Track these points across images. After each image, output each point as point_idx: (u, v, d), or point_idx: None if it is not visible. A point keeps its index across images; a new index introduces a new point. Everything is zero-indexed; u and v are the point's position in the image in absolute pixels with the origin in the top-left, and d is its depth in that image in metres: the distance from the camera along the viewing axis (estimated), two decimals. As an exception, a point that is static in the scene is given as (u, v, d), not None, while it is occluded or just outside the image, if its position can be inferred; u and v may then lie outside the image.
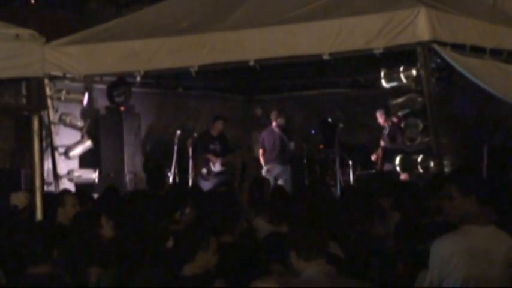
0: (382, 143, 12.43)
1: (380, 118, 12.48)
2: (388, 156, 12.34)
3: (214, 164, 12.49)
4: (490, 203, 4.33)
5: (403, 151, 11.68)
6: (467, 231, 4.33)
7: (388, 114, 12.27)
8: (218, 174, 12.50)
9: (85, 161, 11.75)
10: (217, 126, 12.63)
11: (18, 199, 8.15)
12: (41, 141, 9.75)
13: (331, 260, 5.04)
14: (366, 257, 5.87)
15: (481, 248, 4.30)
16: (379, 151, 12.57)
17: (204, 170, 12.42)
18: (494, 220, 4.56)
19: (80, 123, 11.63)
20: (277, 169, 12.98)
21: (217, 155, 12.56)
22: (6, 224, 6.49)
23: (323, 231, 4.31)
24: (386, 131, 12.42)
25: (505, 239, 4.43)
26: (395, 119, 11.70)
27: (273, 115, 13.39)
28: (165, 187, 8.77)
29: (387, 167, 12.33)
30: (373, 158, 12.71)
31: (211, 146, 12.58)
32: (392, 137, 12.32)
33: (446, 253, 4.31)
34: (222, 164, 12.51)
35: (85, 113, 12.00)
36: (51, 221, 6.64)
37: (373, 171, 12.51)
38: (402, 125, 10.94)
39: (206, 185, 11.71)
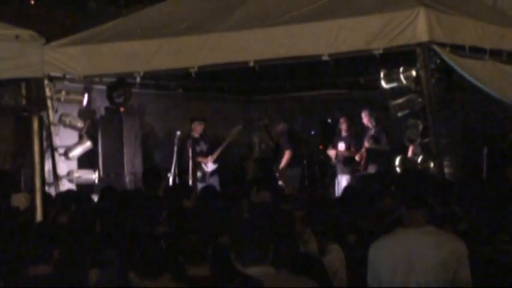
0: (366, 144, 12.46)
1: (364, 118, 12.51)
2: (372, 157, 12.37)
3: (206, 164, 12.53)
4: (418, 207, 4.30)
5: (386, 152, 11.73)
6: (398, 234, 4.33)
7: (372, 115, 12.33)
8: (213, 173, 12.56)
9: (84, 161, 11.75)
10: (196, 128, 12.61)
11: (19, 200, 8.16)
12: (41, 142, 9.77)
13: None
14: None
15: (406, 249, 4.27)
16: (363, 151, 12.60)
17: (199, 173, 12.46)
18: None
19: (79, 124, 11.61)
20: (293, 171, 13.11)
21: (204, 155, 12.60)
22: (7, 225, 6.48)
23: (266, 239, 4.27)
24: (370, 132, 12.46)
25: (442, 240, 4.36)
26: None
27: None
28: (161, 188, 8.73)
29: (371, 168, 12.35)
30: (357, 158, 12.71)
31: (197, 148, 12.58)
32: (376, 138, 12.34)
33: (374, 257, 4.36)
34: (214, 162, 12.57)
35: (85, 114, 11.98)
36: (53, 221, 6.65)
37: (373, 171, 12.51)
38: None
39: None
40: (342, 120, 12.91)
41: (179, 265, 4.43)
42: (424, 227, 4.30)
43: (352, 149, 12.75)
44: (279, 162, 13.19)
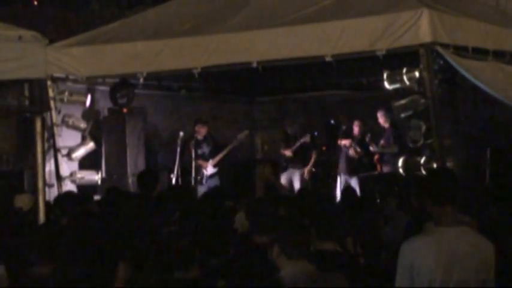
0: (371, 148, 12.45)
1: (380, 119, 12.49)
2: (385, 158, 12.36)
3: (205, 168, 12.50)
4: (451, 205, 4.28)
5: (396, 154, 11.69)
6: (433, 232, 4.30)
7: (388, 116, 12.29)
8: (212, 176, 12.53)
9: (87, 162, 11.75)
10: (200, 130, 12.59)
11: (22, 201, 8.15)
12: (43, 142, 9.78)
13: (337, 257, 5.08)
14: (373, 256, 5.87)
15: (445, 249, 4.23)
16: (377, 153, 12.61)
17: (198, 177, 12.45)
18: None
19: (82, 125, 11.61)
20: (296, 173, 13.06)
21: (206, 158, 12.57)
22: (11, 226, 6.49)
23: (309, 233, 4.37)
24: (385, 133, 12.44)
25: (480, 241, 4.35)
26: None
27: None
28: (157, 189, 8.72)
29: (385, 169, 12.33)
30: (375, 158, 12.71)
31: (199, 151, 12.55)
32: (387, 140, 12.33)
33: (409, 256, 4.28)
34: (214, 166, 12.54)
35: (88, 115, 11.99)
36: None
37: (376, 172, 12.51)
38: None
39: (202, 189, 11.81)
40: (356, 122, 12.89)
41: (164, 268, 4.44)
42: (459, 226, 4.28)
43: (359, 149, 12.73)
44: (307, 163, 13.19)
